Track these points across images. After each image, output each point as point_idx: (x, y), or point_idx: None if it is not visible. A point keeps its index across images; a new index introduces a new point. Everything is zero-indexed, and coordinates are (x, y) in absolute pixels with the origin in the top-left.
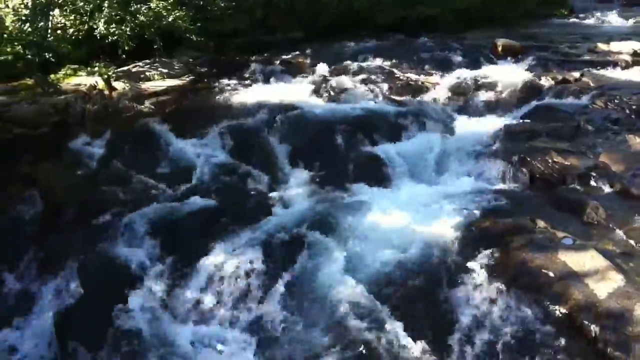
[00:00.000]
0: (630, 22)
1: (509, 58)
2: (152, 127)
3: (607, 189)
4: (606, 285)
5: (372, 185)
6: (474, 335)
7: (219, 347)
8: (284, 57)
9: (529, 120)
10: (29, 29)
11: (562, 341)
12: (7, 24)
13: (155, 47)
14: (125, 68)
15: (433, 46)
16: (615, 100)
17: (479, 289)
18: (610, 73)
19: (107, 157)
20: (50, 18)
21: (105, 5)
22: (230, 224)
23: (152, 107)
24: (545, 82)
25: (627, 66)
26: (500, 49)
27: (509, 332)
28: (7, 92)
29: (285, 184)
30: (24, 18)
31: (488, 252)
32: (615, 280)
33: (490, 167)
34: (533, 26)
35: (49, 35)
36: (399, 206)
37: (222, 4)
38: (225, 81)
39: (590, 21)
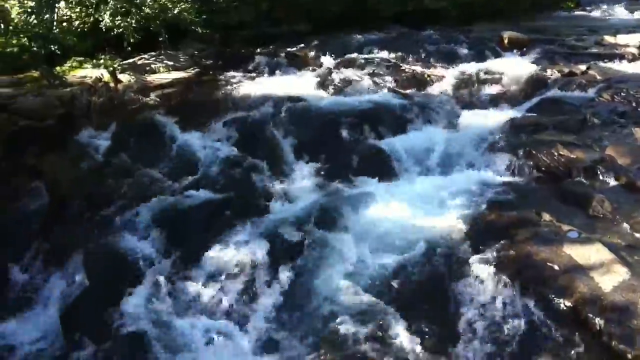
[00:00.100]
0: (637, 14)
1: (515, 51)
2: (158, 119)
3: (613, 182)
4: (611, 279)
5: (377, 179)
6: (478, 328)
7: (221, 339)
8: (289, 49)
9: (534, 113)
10: (35, 21)
11: (567, 334)
12: (12, 16)
13: (160, 39)
14: (130, 60)
15: (439, 39)
16: (622, 93)
17: (484, 282)
18: (617, 66)
19: (112, 149)
20: (56, 10)
21: None
22: (234, 217)
23: (158, 99)
24: (552, 74)
25: (634, 59)
26: (506, 41)
27: (514, 325)
28: (12, 84)
29: (290, 176)
30: (29, 10)
31: (493, 245)
32: (621, 273)
33: (495, 160)
34: (539, 19)
35: (54, 28)
36: (404, 199)
37: None
38: (230, 74)
39: (597, 14)
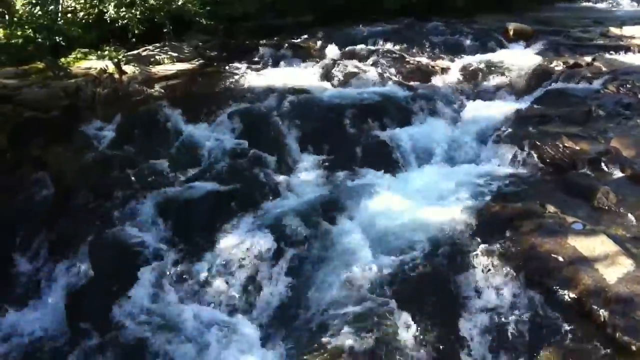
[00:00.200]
0: None
1: (520, 42)
2: (162, 110)
3: (618, 174)
4: (616, 270)
5: (382, 170)
6: (482, 320)
7: (225, 330)
8: (293, 40)
9: (539, 105)
10: (39, 13)
11: (571, 326)
12: (17, 7)
13: (165, 30)
14: (135, 52)
15: (443, 30)
16: (628, 85)
17: (488, 274)
18: (623, 58)
19: (117, 140)
20: (61, 1)
21: None
22: (238, 208)
23: (162, 90)
24: (557, 66)
25: (639, 51)
26: (511, 33)
27: (518, 316)
28: (17, 76)
29: (294, 168)
30: (34, 1)
31: (498, 236)
32: (625, 265)
33: (500, 152)
34: (545, 10)
35: (59, 19)
36: (408, 191)
37: None
38: (234, 65)
39: (603, 5)
